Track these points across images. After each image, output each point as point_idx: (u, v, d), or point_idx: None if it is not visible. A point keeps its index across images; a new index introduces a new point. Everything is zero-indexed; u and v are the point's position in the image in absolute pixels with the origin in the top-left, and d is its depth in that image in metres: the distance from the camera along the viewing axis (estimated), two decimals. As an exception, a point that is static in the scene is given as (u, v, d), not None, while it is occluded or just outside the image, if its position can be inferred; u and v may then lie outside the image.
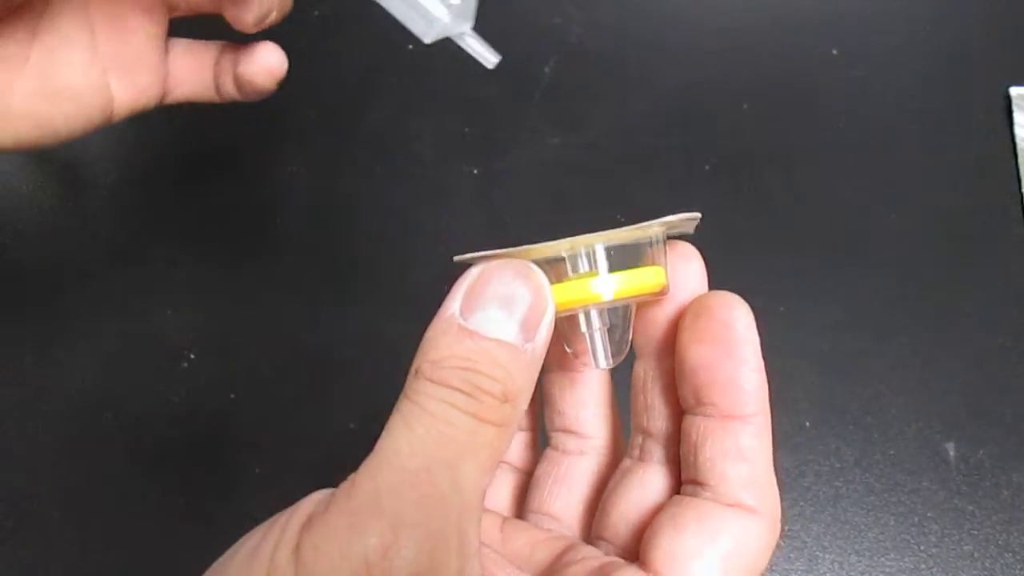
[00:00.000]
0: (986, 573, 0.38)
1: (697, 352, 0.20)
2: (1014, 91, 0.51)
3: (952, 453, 0.41)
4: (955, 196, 0.49)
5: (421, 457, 0.17)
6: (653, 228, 0.20)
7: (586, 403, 0.24)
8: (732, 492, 0.20)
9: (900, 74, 0.53)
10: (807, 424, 0.42)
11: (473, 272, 0.20)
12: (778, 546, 0.39)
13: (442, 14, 0.26)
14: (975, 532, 0.39)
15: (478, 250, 0.20)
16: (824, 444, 0.41)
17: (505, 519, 0.24)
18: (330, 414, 0.41)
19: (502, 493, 0.26)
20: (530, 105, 0.49)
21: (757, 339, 0.20)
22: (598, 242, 0.20)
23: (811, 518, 0.39)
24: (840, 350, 0.44)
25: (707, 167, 0.49)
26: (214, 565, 0.18)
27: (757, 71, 0.53)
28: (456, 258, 0.21)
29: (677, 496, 0.21)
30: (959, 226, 0.48)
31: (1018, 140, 0.50)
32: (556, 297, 0.20)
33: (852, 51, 0.53)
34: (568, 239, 0.20)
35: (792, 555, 0.38)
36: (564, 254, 0.20)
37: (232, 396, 0.42)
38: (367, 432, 0.18)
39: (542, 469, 0.25)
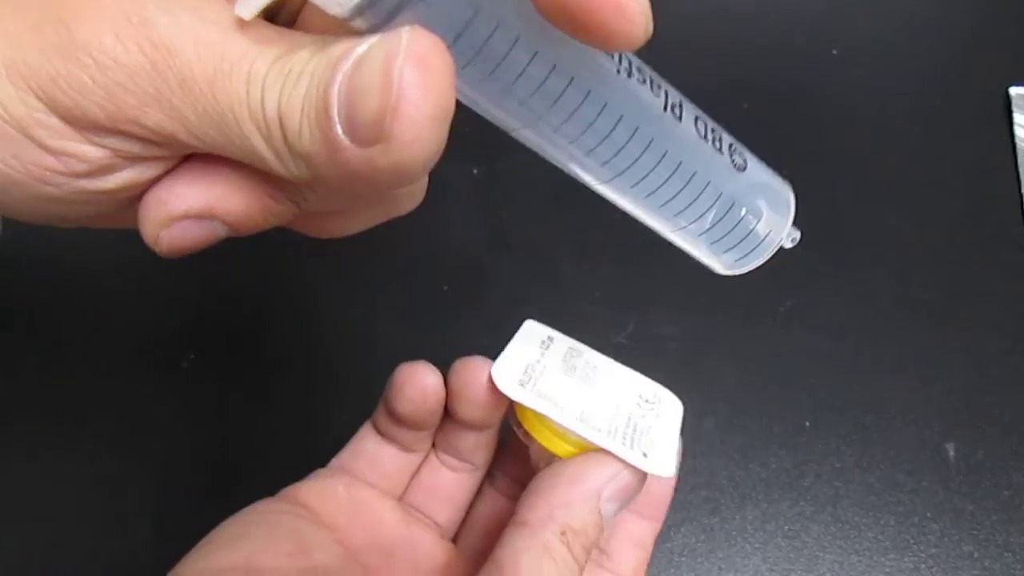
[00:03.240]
0: (986, 573, 0.38)
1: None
2: (1014, 91, 0.51)
3: (952, 453, 0.41)
4: (955, 196, 0.49)
5: None
6: (615, 451, 0.25)
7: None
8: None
9: (900, 74, 0.53)
10: (807, 424, 0.42)
11: (626, 478, 0.25)
12: (778, 546, 0.39)
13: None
14: (975, 532, 0.39)
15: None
16: (824, 444, 0.41)
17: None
18: (331, 414, 0.41)
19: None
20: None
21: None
22: (607, 448, 0.25)
23: (811, 518, 0.39)
24: (840, 350, 0.44)
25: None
26: None
27: (757, 71, 0.53)
28: (500, 383, 0.26)
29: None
30: (959, 226, 0.48)
31: (1018, 140, 0.50)
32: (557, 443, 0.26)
33: (852, 51, 0.53)
34: (584, 431, 0.25)
35: (792, 555, 0.38)
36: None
37: (232, 396, 0.42)
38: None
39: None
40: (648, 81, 0.20)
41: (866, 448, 0.41)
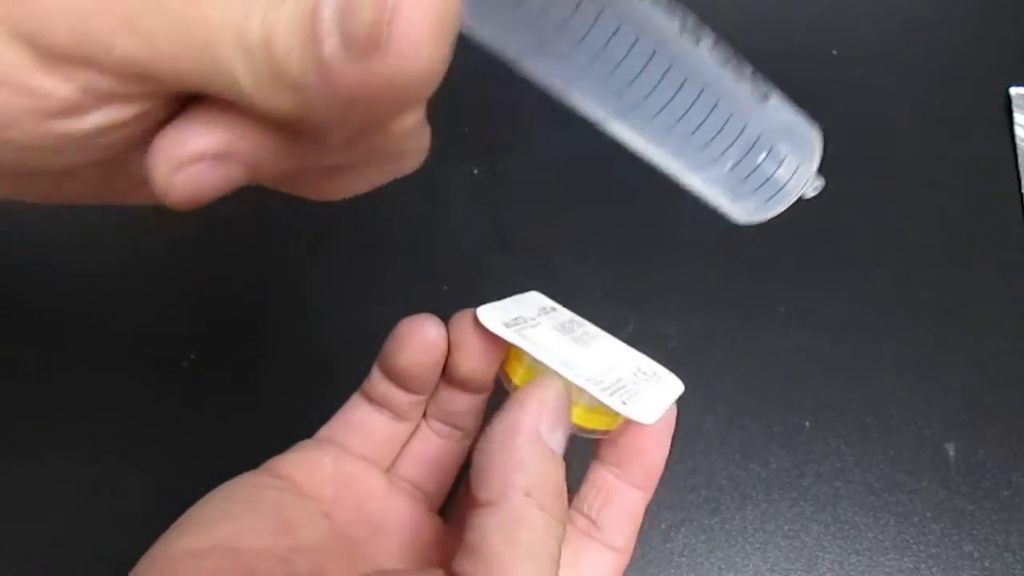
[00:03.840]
0: (986, 573, 0.38)
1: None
2: (1014, 91, 0.51)
3: (952, 453, 0.41)
4: (955, 196, 0.49)
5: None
6: (616, 407, 0.25)
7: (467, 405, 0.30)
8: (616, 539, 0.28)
9: (900, 74, 0.53)
10: (807, 424, 0.42)
11: (553, 394, 0.24)
12: (778, 546, 0.39)
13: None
14: (975, 532, 0.39)
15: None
16: (824, 444, 0.41)
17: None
18: (332, 414, 0.41)
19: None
20: (531, 105, 0.49)
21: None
22: (586, 389, 0.25)
23: (811, 518, 0.39)
24: (840, 350, 0.44)
25: (707, 167, 0.49)
26: None
27: (756, 71, 0.53)
28: (482, 315, 0.26)
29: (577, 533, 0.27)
30: (959, 226, 0.48)
31: (1018, 140, 0.50)
32: None
33: (852, 51, 0.53)
34: (568, 373, 0.25)
35: (792, 555, 0.38)
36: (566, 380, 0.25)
37: (232, 396, 0.42)
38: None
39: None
40: (661, 2, 0.19)
41: (866, 448, 0.41)
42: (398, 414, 0.30)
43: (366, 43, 0.15)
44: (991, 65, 0.52)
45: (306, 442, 0.30)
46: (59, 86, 0.16)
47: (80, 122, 0.17)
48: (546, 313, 0.28)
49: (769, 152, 0.21)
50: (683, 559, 0.38)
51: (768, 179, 0.21)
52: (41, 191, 0.20)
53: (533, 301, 0.29)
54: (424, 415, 0.31)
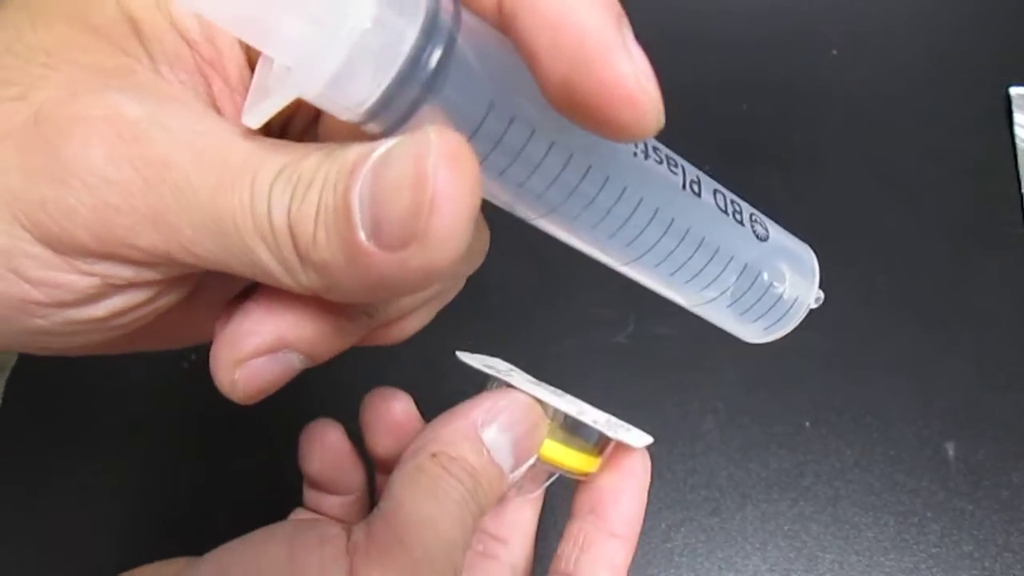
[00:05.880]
0: (986, 573, 0.38)
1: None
2: (1014, 91, 0.51)
3: (952, 453, 0.41)
4: (955, 196, 0.49)
5: (436, 523, 0.22)
6: (599, 431, 0.25)
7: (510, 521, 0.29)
8: None
9: (900, 74, 0.53)
10: (807, 424, 0.42)
11: (502, 403, 0.24)
12: (778, 546, 0.39)
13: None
14: (975, 532, 0.39)
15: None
16: (824, 444, 0.41)
17: None
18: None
19: None
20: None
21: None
22: (565, 411, 0.25)
23: (811, 518, 0.39)
24: (840, 350, 0.44)
25: (707, 167, 0.48)
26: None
27: (757, 71, 0.53)
28: (461, 356, 0.26)
29: None
30: (959, 226, 0.48)
31: (1018, 140, 0.50)
32: None
33: (852, 51, 0.53)
34: (551, 395, 0.25)
35: (792, 555, 0.38)
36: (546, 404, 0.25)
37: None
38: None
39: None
40: (665, 160, 0.20)
41: (866, 448, 0.41)
42: (336, 518, 0.29)
43: (403, 233, 0.15)
44: (991, 65, 0.52)
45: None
46: (78, 279, 0.17)
47: (97, 308, 0.17)
48: (515, 371, 0.28)
49: (770, 281, 0.23)
50: (683, 559, 0.38)
51: (774, 304, 0.23)
52: (73, 351, 0.20)
53: (502, 363, 0.29)
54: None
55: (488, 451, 0.23)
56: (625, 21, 0.16)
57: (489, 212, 0.22)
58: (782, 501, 0.40)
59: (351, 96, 0.16)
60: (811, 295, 0.24)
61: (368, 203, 0.15)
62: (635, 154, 0.19)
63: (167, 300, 0.19)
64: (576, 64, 0.15)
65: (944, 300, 0.45)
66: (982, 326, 0.44)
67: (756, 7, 0.55)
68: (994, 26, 0.55)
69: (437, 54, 0.15)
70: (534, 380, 0.28)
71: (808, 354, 0.43)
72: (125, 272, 0.17)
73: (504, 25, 0.16)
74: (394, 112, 0.16)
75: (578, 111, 0.16)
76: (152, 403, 0.42)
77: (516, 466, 0.24)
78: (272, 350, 0.18)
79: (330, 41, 0.15)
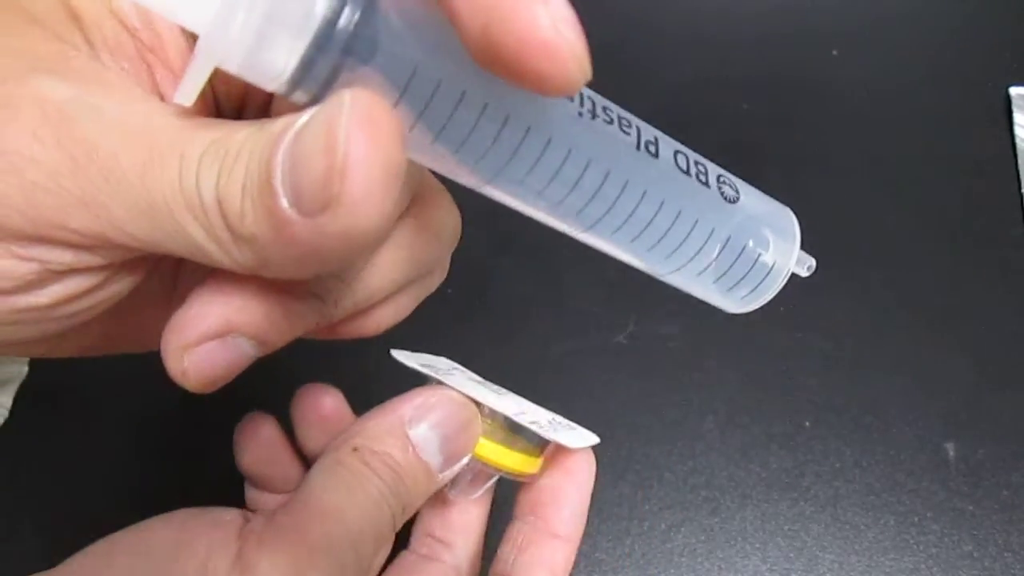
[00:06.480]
0: (986, 573, 0.38)
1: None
2: (1014, 91, 0.51)
3: (952, 453, 0.41)
4: (955, 196, 0.49)
5: (351, 517, 0.21)
6: (543, 434, 0.24)
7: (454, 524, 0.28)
8: None
9: (900, 74, 0.53)
10: (807, 424, 0.42)
11: (432, 400, 0.24)
12: (778, 546, 0.39)
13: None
14: (975, 532, 0.39)
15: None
16: (824, 444, 0.41)
17: None
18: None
19: None
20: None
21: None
22: (503, 411, 0.24)
23: (811, 518, 0.39)
24: (840, 350, 0.44)
25: (707, 167, 0.49)
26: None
27: (757, 71, 0.53)
28: (396, 354, 0.26)
29: None
30: (959, 226, 0.48)
31: (1018, 140, 0.50)
32: None
33: (852, 51, 0.53)
34: (491, 395, 0.25)
35: (792, 555, 0.38)
36: (481, 404, 0.25)
37: (233, 396, 0.42)
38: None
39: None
40: (616, 120, 0.19)
41: (866, 448, 0.41)
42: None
43: (319, 197, 0.15)
44: (991, 65, 0.52)
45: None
46: (14, 264, 0.16)
47: (40, 296, 0.17)
48: (458, 369, 0.28)
49: (745, 245, 0.21)
50: (683, 559, 0.38)
51: (750, 269, 0.22)
52: (37, 351, 0.20)
53: (444, 361, 0.28)
54: None
55: (414, 448, 0.23)
56: None
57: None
58: (782, 501, 0.40)
59: (271, 65, 0.15)
60: (791, 258, 0.22)
61: (288, 171, 0.15)
62: (580, 114, 0.18)
63: (117, 288, 0.18)
64: (492, 15, 0.15)
65: (944, 300, 0.45)
66: (982, 326, 0.44)
67: (757, 6, 0.55)
68: (994, 26, 0.55)
69: (355, 16, 0.15)
70: (479, 379, 0.27)
71: (808, 354, 0.43)
72: (64, 256, 0.17)
73: None
74: (315, 79, 0.15)
75: (499, 65, 0.15)
76: (153, 403, 0.42)
77: (447, 465, 0.23)
78: (219, 334, 0.18)
79: (241, 7, 0.15)
